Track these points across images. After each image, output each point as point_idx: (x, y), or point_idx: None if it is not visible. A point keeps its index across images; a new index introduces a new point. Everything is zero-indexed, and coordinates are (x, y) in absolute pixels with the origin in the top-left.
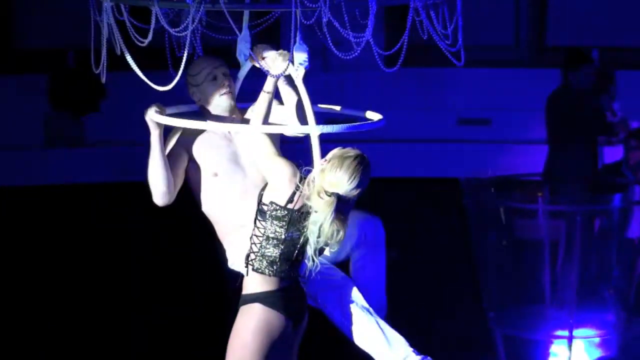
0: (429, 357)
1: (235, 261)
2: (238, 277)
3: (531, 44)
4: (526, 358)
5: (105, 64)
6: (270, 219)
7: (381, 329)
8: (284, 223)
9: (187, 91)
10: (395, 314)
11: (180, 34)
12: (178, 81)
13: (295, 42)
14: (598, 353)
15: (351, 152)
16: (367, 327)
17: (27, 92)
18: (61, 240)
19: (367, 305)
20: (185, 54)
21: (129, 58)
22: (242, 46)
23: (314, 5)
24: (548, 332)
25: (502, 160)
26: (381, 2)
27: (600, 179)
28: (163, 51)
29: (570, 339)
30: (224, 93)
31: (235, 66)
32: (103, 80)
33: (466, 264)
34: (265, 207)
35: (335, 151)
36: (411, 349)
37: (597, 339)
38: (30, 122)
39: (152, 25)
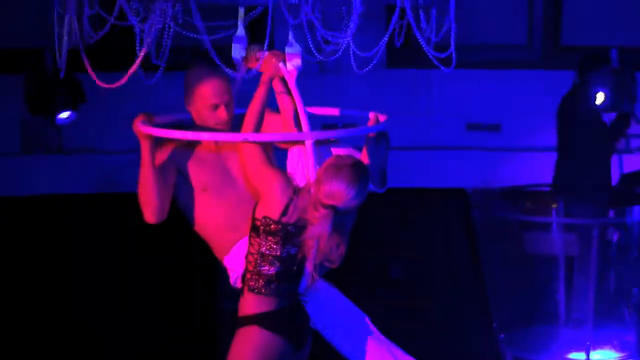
0: None
1: (236, 280)
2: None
3: (545, 43)
4: None
5: (65, 59)
6: (264, 234)
7: (393, 355)
8: (279, 238)
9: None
10: (399, 334)
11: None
12: (169, 83)
13: (287, 41)
14: None
15: (348, 160)
16: (378, 356)
17: (1, 95)
18: (41, 253)
19: (374, 331)
20: (143, 51)
21: (83, 55)
22: (239, 46)
23: (294, 2)
24: (563, 355)
25: (513, 169)
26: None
27: (618, 189)
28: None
29: None
30: (220, 123)
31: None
32: (61, 73)
33: (475, 280)
34: (258, 222)
35: (332, 159)
36: None
37: None
38: (6, 127)
39: (113, 17)
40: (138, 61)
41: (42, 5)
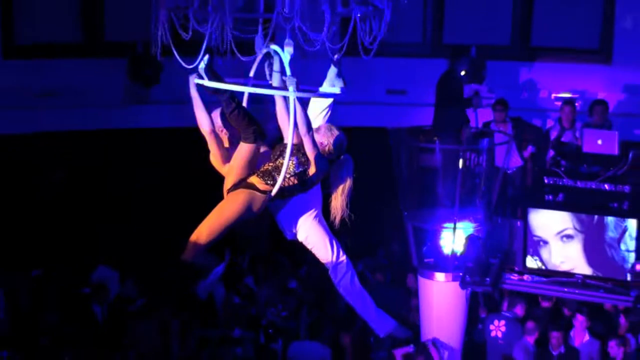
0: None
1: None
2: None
3: (433, 41)
4: (426, 240)
5: (159, 49)
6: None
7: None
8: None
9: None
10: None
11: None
12: None
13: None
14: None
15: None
16: (353, 284)
17: (112, 71)
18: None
19: (354, 275)
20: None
21: (173, 48)
22: (258, 42)
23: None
24: (441, 224)
25: (416, 118)
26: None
27: (475, 129)
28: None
29: (454, 228)
30: None
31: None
32: (158, 56)
33: (390, 181)
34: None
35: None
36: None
37: (472, 229)
38: (113, 87)
39: (191, 23)
40: (203, 47)
41: (135, 8)
